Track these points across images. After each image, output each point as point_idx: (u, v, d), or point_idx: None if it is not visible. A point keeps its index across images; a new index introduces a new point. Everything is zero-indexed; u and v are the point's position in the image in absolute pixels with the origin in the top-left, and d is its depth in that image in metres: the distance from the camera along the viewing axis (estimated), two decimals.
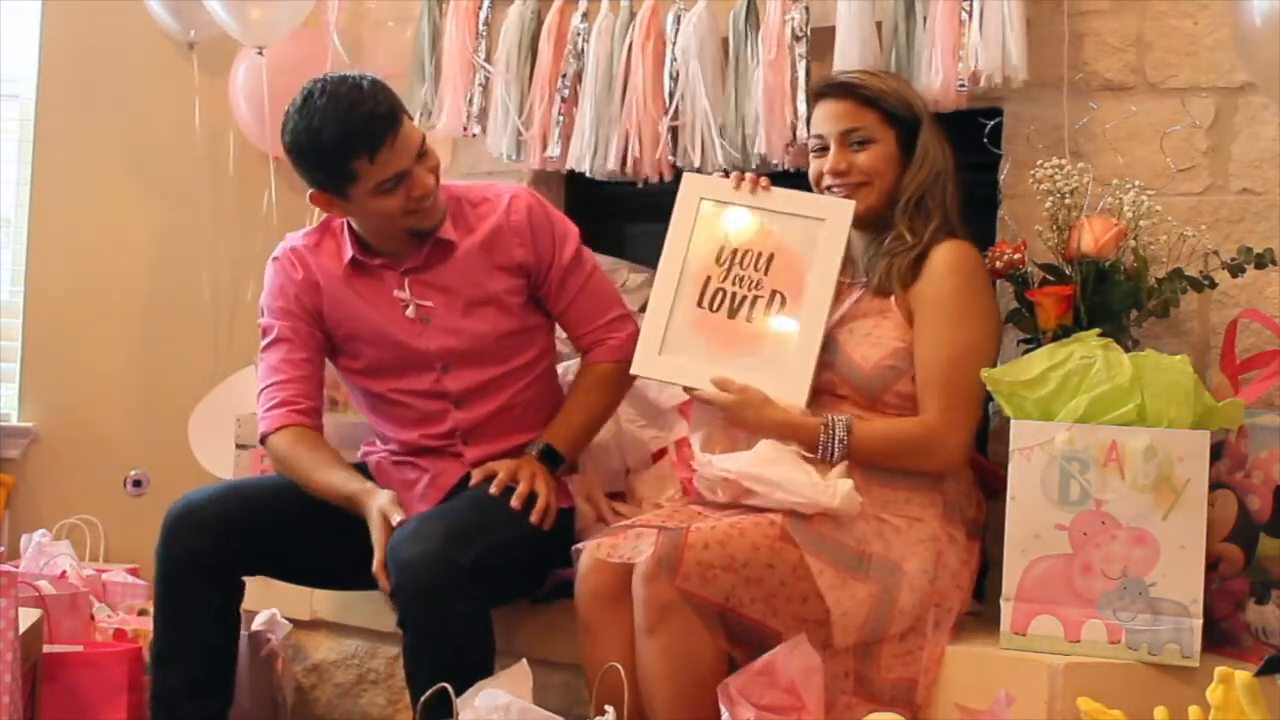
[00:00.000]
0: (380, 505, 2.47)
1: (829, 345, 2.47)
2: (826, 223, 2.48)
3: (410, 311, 2.66)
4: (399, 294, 2.66)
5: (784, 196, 2.55)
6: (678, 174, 2.97)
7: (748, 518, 2.31)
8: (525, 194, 2.74)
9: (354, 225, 2.67)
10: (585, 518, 2.66)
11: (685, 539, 2.23)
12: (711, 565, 2.22)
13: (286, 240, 2.76)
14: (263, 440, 2.66)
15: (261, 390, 2.68)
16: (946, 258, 2.43)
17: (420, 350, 2.66)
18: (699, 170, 2.92)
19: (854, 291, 2.54)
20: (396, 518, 2.42)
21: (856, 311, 2.50)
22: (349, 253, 2.66)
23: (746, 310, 2.51)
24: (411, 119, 2.62)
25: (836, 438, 2.37)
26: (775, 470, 2.32)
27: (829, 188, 2.52)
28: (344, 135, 2.49)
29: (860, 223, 2.52)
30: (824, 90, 2.56)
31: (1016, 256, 2.50)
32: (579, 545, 2.42)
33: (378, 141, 2.49)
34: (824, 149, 2.54)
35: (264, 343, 2.70)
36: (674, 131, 2.94)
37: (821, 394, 2.48)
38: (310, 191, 2.60)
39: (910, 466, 2.41)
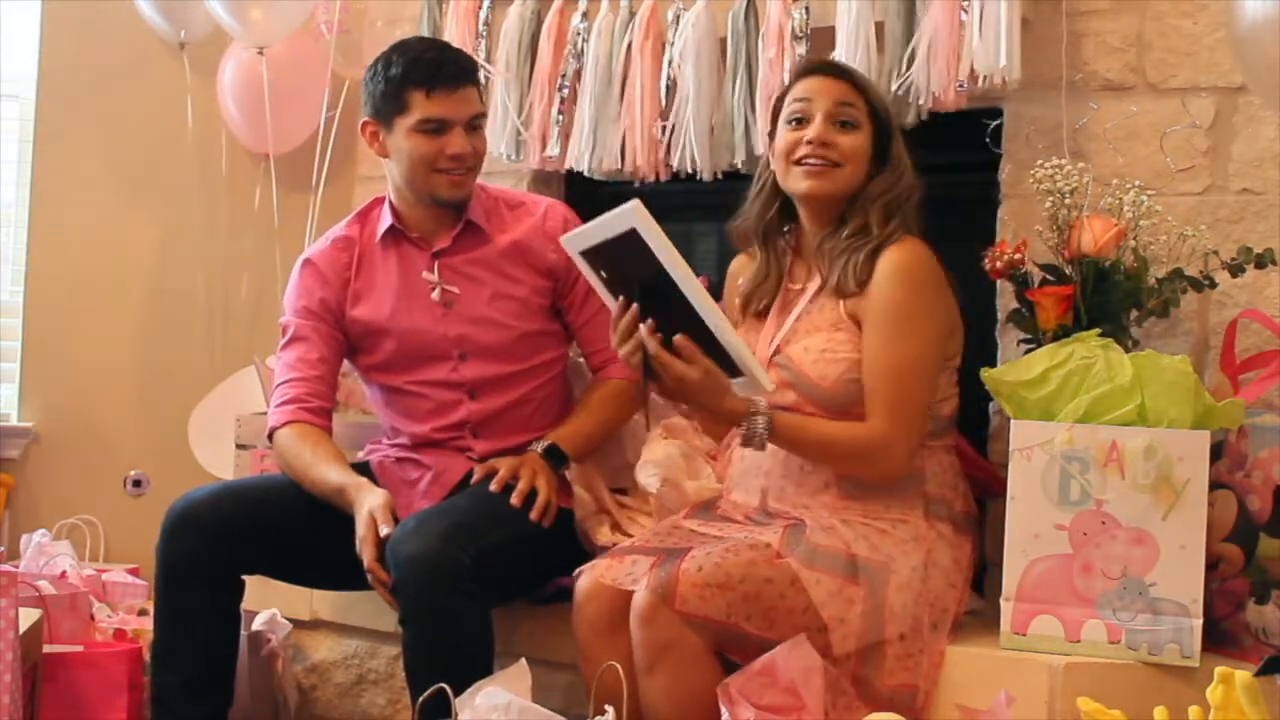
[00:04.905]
0: (371, 506, 2.47)
1: (786, 364, 2.43)
2: (639, 227, 2.22)
3: (436, 295, 2.70)
4: (427, 276, 2.71)
5: (601, 223, 2.30)
6: (675, 174, 2.99)
7: (742, 541, 2.31)
8: (562, 206, 2.82)
9: (391, 196, 2.74)
10: (584, 506, 2.66)
11: (678, 568, 2.23)
12: (708, 585, 2.21)
13: (324, 237, 2.82)
14: (270, 435, 2.70)
15: (274, 388, 2.73)
16: (895, 263, 2.37)
17: (439, 334, 2.70)
18: (693, 172, 2.94)
19: (805, 295, 2.49)
20: (385, 530, 2.42)
21: (809, 324, 2.45)
22: (386, 223, 2.73)
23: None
24: (482, 98, 2.73)
25: (757, 431, 2.33)
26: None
27: (802, 159, 2.43)
28: (413, 64, 2.62)
29: (816, 212, 2.48)
30: (817, 67, 2.51)
31: (1017, 256, 2.50)
32: (579, 569, 2.41)
33: (439, 80, 2.61)
34: (802, 121, 2.45)
35: (282, 341, 2.75)
36: (671, 131, 2.95)
37: (789, 411, 2.42)
38: (363, 120, 2.70)
39: (850, 471, 2.39)
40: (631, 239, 2.24)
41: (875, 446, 2.35)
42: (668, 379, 2.30)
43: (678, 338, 2.27)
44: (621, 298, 2.33)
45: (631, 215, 2.22)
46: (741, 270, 2.62)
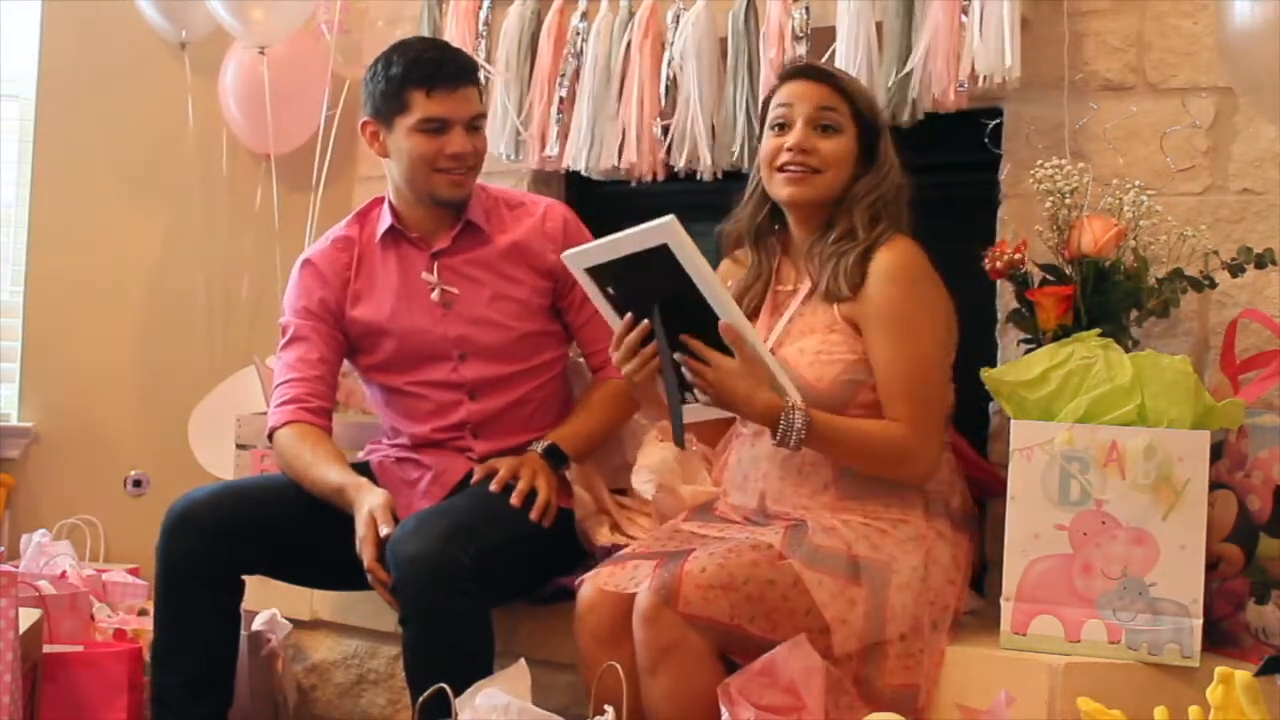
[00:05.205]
0: (372, 506, 2.47)
1: (782, 367, 2.41)
2: (671, 241, 2.20)
3: (435, 295, 2.71)
4: (427, 276, 2.72)
5: (625, 238, 2.27)
6: (674, 174, 2.99)
7: (744, 541, 2.30)
8: (562, 206, 2.83)
9: (391, 196, 2.75)
10: (584, 506, 2.66)
11: (681, 569, 2.22)
12: (711, 586, 2.21)
13: (323, 237, 2.83)
14: (270, 435, 2.70)
15: (275, 388, 2.74)
16: (888, 264, 2.37)
17: (439, 335, 2.70)
18: (693, 172, 2.93)
19: (796, 297, 2.49)
20: (385, 530, 2.42)
21: (803, 326, 2.45)
22: (386, 223, 2.74)
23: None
24: (482, 98, 2.75)
25: (795, 426, 2.32)
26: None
27: (784, 166, 2.44)
28: (413, 64, 2.63)
29: (802, 218, 2.48)
30: (799, 71, 2.50)
31: (1017, 256, 2.49)
32: (581, 578, 2.41)
33: (439, 79, 2.62)
34: (784, 127, 2.45)
35: (282, 341, 2.76)
36: (672, 131, 2.95)
37: None
38: (363, 120, 2.71)
39: (882, 471, 2.38)
40: (658, 255, 2.21)
41: (908, 447, 2.35)
42: (707, 371, 2.29)
43: (722, 323, 2.27)
44: (629, 315, 2.32)
45: (666, 231, 2.19)
46: (728, 274, 2.61)
